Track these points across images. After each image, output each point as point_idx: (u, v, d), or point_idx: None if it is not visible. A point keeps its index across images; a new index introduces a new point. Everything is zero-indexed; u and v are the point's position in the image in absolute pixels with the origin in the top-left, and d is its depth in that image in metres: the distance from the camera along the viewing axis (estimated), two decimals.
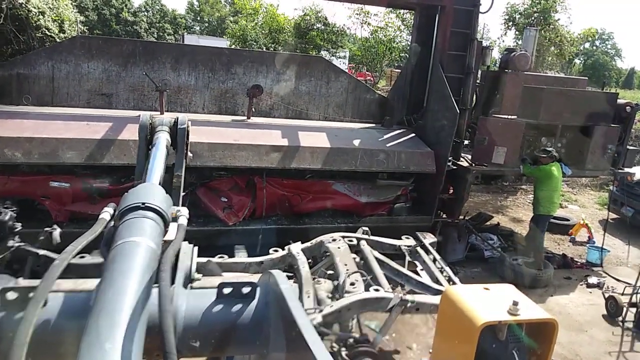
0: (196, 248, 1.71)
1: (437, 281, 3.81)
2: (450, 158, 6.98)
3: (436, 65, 7.30)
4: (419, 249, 4.25)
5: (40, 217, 5.80)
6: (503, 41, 23.48)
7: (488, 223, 8.98)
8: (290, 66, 8.15)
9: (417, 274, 3.94)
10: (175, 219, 1.44)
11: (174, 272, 1.37)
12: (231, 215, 6.38)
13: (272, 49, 20.09)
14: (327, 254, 3.90)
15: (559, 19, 21.28)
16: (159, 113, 6.76)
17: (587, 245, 8.70)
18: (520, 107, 7.81)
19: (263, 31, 21.95)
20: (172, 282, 1.28)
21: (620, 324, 6.10)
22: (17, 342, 0.84)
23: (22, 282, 1.23)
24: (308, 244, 4.01)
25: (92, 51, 7.24)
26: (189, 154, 2.24)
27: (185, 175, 2.14)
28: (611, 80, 52.77)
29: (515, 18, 21.49)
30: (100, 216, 1.35)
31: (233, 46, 21.82)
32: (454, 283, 3.78)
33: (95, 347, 0.84)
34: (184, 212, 1.49)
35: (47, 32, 13.71)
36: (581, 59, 51.09)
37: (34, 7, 13.26)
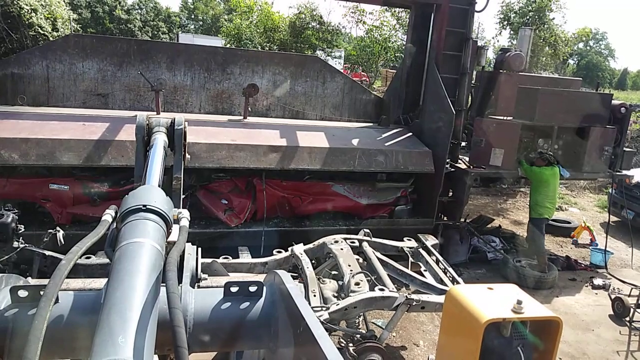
0: (200, 249, 1.72)
1: (441, 281, 3.86)
2: (447, 160, 6.99)
3: (431, 66, 7.31)
4: (421, 250, 4.30)
5: (42, 219, 5.79)
6: (498, 41, 23.69)
7: (489, 226, 9.01)
8: (286, 66, 8.16)
9: (421, 274, 3.98)
10: (177, 221, 1.46)
11: (180, 272, 1.38)
12: (233, 217, 6.37)
13: (267, 48, 20.05)
14: (330, 255, 3.95)
15: (553, 18, 21.46)
16: (155, 113, 6.74)
17: (590, 247, 8.72)
18: (516, 108, 7.83)
19: (258, 30, 21.89)
20: (179, 282, 1.30)
21: (628, 324, 6.13)
22: (32, 337, 0.86)
23: (32, 281, 1.24)
24: (310, 246, 4.06)
25: (87, 50, 7.20)
26: (187, 155, 2.24)
27: (184, 177, 2.14)
28: (604, 81, 53.20)
29: (511, 17, 21.62)
30: (103, 218, 1.36)
31: (228, 45, 21.75)
32: (457, 283, 3.82)
33: (108, 342, 0.87)
34: (185, 214, 1.51)
35: (40, 30, 13.63)
36: (575, 59, 51.46)
37: (26, 4, 13.15)
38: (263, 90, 7.91)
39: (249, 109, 7.44)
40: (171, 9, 52.65)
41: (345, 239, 4.16)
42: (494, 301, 1.86)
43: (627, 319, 6.20)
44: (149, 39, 37.07)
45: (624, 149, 8.21)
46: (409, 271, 3.93)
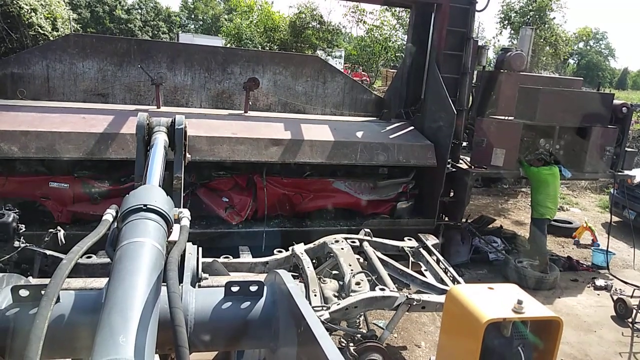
0: (200, 249, 1.72)
1: (441, 281, 3.86)
2: (449, 160, 6.98)
3: (432, 65, 7.31)
4: (422, 250, 4.30)
5: (43, 219, 5.77)
6: (498, 40, 23.72)
7: (490, 226, 9.01)
8: (286, 66, 8.15)
9: (422, 274, 3.98)
10: (177, 221, 1.47)
11: (180, 271, 1.39)
12: (234, 214, 6.36)
13: (267, 48, 20.04)
14: (331, 254, 3.95)
15: (554, 18, 21.46)
16: (155, 107, 6.75)
17: (592, 248, 8.71)
18: (517, 108, 7.82)
19: (258, 30, 21.89)
20: (180, 281, 1.30)
21: (630, 325, 6.11)
22: (33, 336, 0.86)
23: (33, 280, 1.25)
24: (311, 245, 4.07)
25: (87, 50, 7.20)
26: (188, 155, 2.24)
27: (184, 174, 2.14)
28: (605, 80, 53.19)
29: (511, 17, 21.63)
30: (103, 218, 1.36)
31: (228, 45, 21.75)
32: (458, 283, 3.82)
33: (110, 341, 0.88)
34: (186, 213, 1.52)
35: (40, 30, 13.63)
36: (575, 59, 51.45)
37: (26, 4, 13.13)
38: (263, 90, 7.91)
39: (250, 104, 7.43)
40: (171, 8, 52.76)
41: (345, 238, 4.17)
42: (494, 301, 1.86)
43: (630, 320, 6.19)
44: (149, 39, 37.08)
45: (626, 149, 8.19)
46: (409, 271, 3.94)
